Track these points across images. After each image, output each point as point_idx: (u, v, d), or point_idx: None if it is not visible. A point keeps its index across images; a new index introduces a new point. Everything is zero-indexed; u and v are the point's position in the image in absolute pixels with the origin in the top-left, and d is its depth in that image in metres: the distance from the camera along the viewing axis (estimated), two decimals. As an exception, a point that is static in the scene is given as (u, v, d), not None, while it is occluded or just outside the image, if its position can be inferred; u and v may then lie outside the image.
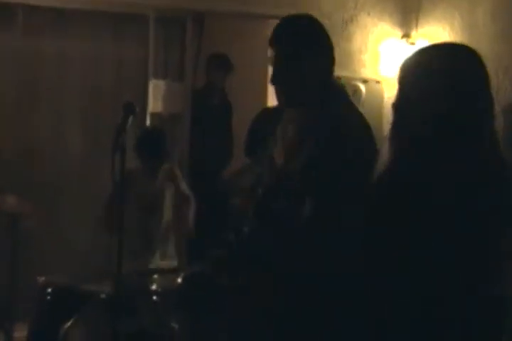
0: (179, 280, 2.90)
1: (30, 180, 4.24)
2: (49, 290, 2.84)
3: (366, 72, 4.60)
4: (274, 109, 2.14)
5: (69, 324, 2.70)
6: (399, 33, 4.68)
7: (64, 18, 4.33)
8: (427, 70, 1.46)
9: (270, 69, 2.06)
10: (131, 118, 2.18)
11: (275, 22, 2.06)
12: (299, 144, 1.94)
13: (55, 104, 4.39)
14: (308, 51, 1.98)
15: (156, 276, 3.08)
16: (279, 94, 2.03)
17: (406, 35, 4.64)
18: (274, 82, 2.01)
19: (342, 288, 1.84)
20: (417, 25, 4.63)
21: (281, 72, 1.99)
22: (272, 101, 2.19)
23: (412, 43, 4.59)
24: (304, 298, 1.87)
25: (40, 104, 4.39)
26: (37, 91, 4.37)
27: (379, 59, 4.64)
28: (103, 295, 2.75)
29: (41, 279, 2.91)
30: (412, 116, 1.47)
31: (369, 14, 4.62)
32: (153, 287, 2.89)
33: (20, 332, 3.05)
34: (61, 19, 4.33)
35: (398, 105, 1.50)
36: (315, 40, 2.00)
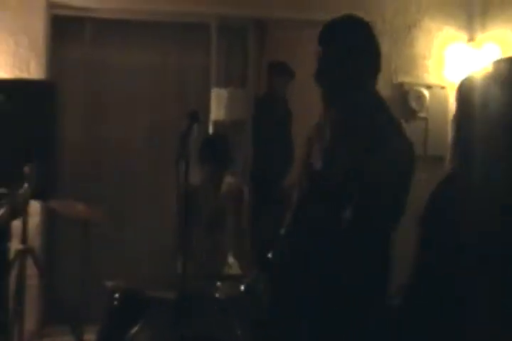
0: (242, 287, 2.92)
1: (99, 189, 4.37)
2: (117, 295, 2.90)
3: (430, 78, 4.52)
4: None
5: (135, 329, 2.76)
6: (465, 36, 4.57)
7: (128, 29, 4.45)
8: (498, 83, 1.42)
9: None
10: (195, 126, 2.22)
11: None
12: (337, 146, 1.93)
13: (121, 113, 4.51)
14: (353, 51, 1.98)
15: (220, 283, 3.10)
16: (321, 93, 2.04)
17: (472, 39, 4.53)
18: (316, 78, 2.03)
19: (375, 292, 1.82)
20: (483, 29, 4.51)
21: (324, 70, 2.01)
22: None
23: (479, 47, 4.48)
24: (335, 299, 1.87)
25: (106, 114, 4.51)
26: (103, 102, 4.50)
27: (443, 64, 4.54)
28: (168, 301, 2.79)
29: (109, 284, 2.97)
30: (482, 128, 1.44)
31: (433, 18, 4.54)
32: (217, 294, 2.91)
33: (91, 335, 3.12)
34: (126, 30, 4.45)
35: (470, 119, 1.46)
36: (361, 42, 2.00)
